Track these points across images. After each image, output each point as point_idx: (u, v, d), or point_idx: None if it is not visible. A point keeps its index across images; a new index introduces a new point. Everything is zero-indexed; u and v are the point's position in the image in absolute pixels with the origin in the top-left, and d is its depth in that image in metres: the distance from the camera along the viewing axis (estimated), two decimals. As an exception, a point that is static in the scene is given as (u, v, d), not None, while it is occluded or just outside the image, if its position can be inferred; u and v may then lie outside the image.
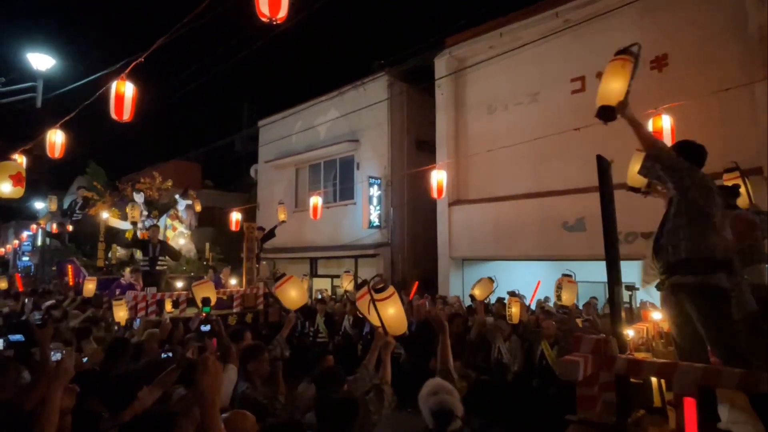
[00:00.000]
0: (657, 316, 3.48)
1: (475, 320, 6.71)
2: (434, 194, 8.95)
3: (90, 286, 8.43)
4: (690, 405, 1.48)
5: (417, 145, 12.91)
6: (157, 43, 4.93)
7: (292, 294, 3.97)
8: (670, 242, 2.49)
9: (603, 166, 2.61)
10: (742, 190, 3.45)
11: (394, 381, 2.90)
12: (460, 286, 10.81)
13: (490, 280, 7.56)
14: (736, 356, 2.23)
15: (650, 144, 2.59)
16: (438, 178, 8.81)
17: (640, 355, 2.67)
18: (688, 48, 7.95)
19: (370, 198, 12.08)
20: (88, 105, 6.36)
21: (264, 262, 10.91)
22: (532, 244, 9.50)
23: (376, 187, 12.18)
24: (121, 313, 6.64)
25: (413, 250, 12.42)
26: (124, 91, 5.18)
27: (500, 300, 7.78)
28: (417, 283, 7.83)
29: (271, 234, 9.98)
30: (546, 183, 9.46)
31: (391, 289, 2.95)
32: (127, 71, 5.06)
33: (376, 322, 2.97)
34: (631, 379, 2.38)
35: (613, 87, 2.62)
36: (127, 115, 5.27)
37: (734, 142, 7.33)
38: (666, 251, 2.50)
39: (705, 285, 2.36)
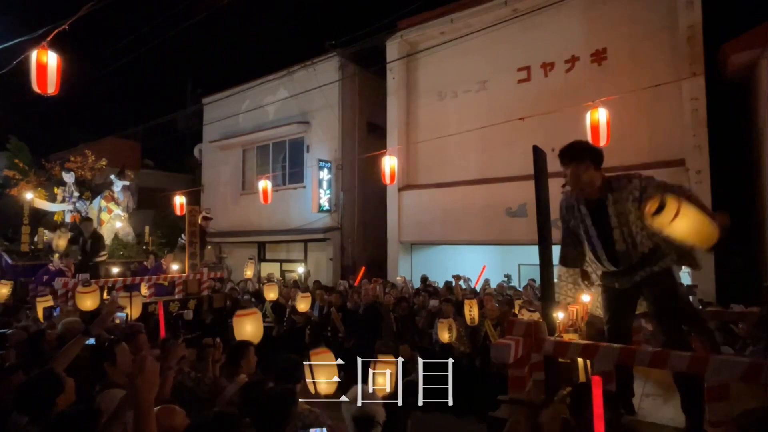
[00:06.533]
0: (586, 298, 3.69)
1: (421, 303, 6.86)
2: (385, 180, 8.93)
3: (3, 291, 7.43)
4: (597, 383, 1.58)
5: (368, 129, 12.81)
6: (84, 10, 4.54)
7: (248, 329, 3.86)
8: (629, 244, 2.53)
9: (538, 157, 2.69)
10: None
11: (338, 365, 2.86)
12: (409, 269, 10.98)
13: None
14: (681, 330, 2.44)
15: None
16: (389, 163, 8.80)
17: (568, 336, 2.83)
18: (625, 43, 8.33)
19: (320, 181, 11.91)
20: (5, 75, 5.82)
21: (209, 246, 10.54)
22: (477, 229, 9.78)
23: (326, 170, 12.02)
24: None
25: (363, 234, 12.43)
26: (46, 61, 4.74)
27: (447, 284, 8.04)
28: (363, 268, 7.86)
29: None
30: (491, 170, 9.72)
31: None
32: (48, 39, 4.63)
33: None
34: (559, 359, 2.52)
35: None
36: (52, 88, 4.84)
37: (661, 135, 7.85)
38: (627, 255, 2.55)
39: (664, 270, 2.55)
